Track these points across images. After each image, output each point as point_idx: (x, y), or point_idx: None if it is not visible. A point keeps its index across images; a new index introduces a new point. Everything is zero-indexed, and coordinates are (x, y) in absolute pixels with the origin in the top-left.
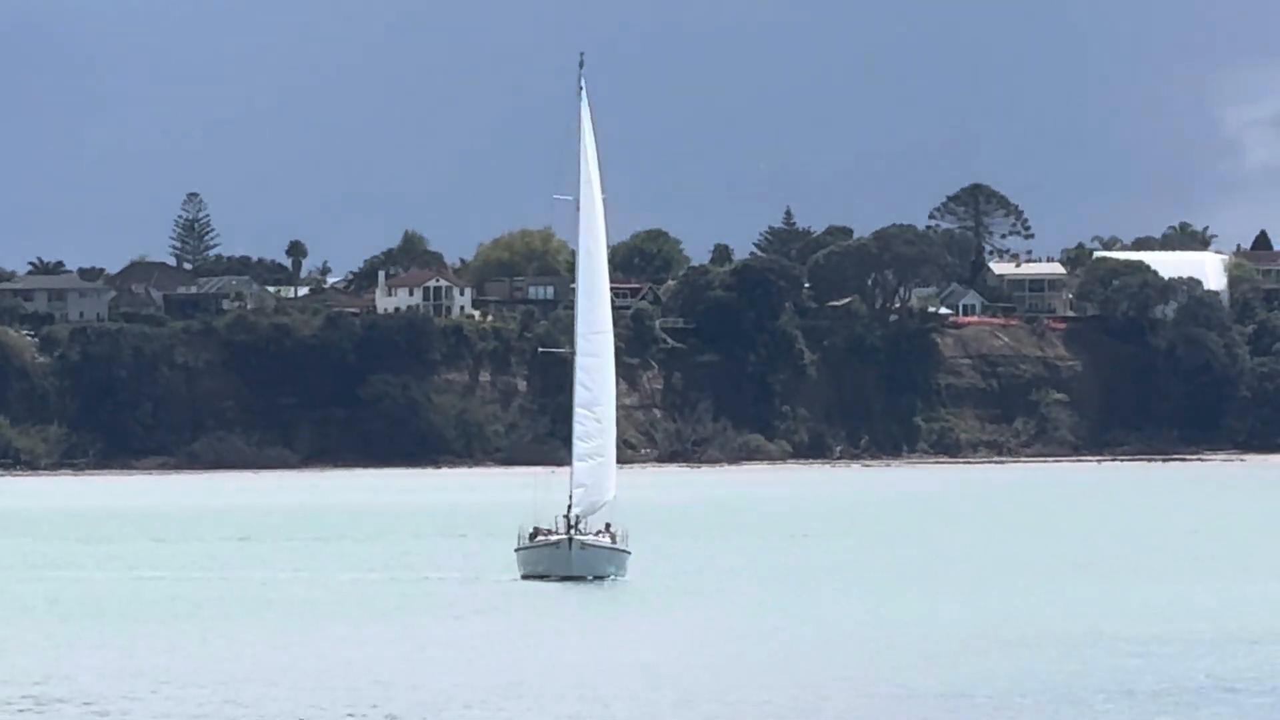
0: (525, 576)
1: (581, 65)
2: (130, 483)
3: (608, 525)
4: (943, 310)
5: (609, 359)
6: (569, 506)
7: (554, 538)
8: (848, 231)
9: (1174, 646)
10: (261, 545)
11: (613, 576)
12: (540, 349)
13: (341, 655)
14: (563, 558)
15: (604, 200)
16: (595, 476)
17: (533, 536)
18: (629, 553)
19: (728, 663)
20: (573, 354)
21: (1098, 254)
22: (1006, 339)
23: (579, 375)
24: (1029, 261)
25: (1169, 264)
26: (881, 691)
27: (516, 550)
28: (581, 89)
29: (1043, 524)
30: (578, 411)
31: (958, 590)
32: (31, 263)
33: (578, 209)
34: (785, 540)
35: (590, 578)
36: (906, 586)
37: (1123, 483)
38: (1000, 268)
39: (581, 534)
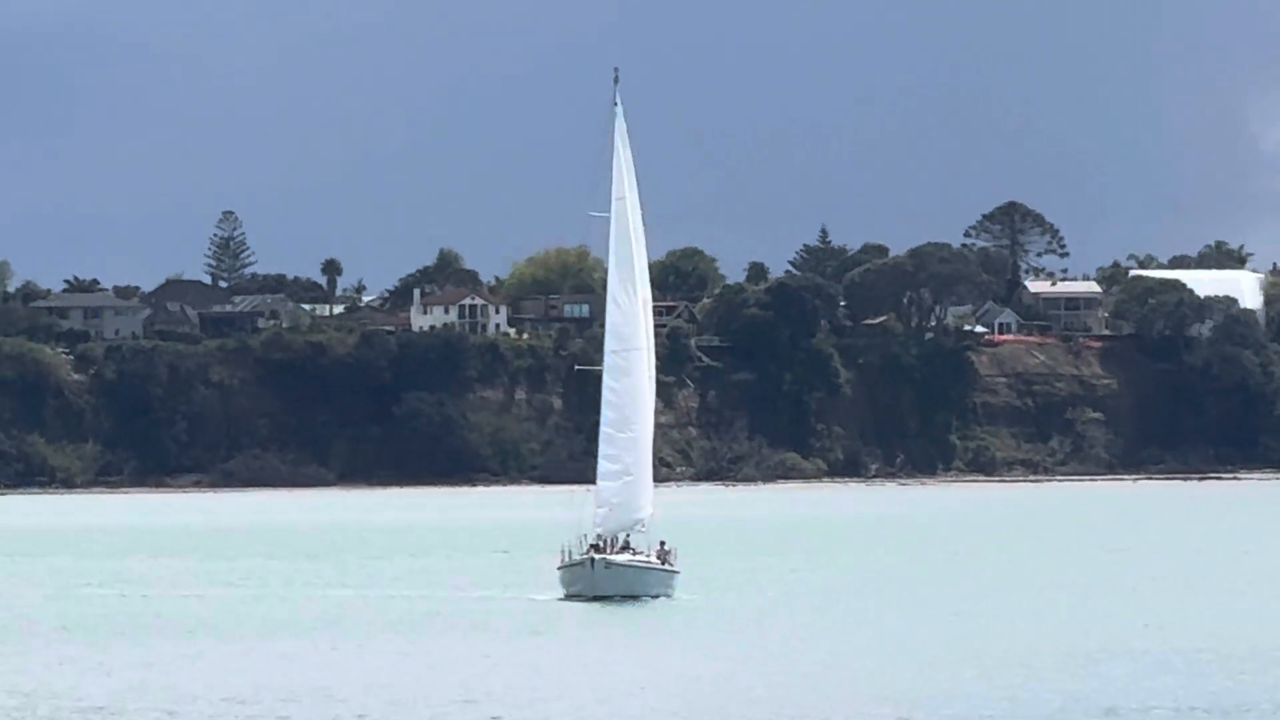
0: (568, 597)
1: (616, 81)
2: (179, 500)
3: (662, 543)
4: (978, 328)
5: (641, 377)
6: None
7: (579, 557)
8: (883, 250)
9: None
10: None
11: (654, 596)
12: (576, 367)
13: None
14: (586, 577)
15: (641, 216)
16: (622, 496)
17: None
18: (677, 572)
19: (787, 681)
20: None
21: (1133, 272)
22: (1042, 357)
23: (605, 394)
24: (1065, 280)
25: (1205, 282)
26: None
27: (558, 569)
28: (616, 104)
29: (1092, 540)
30: (603, 431)
31: (1029, 603)
32: (67, 280)
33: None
34: (840, 556)
35: (622, 597)
36: (994, 597)
37: (1161, 501)
38: (1036, 286)
39: (604, 552)
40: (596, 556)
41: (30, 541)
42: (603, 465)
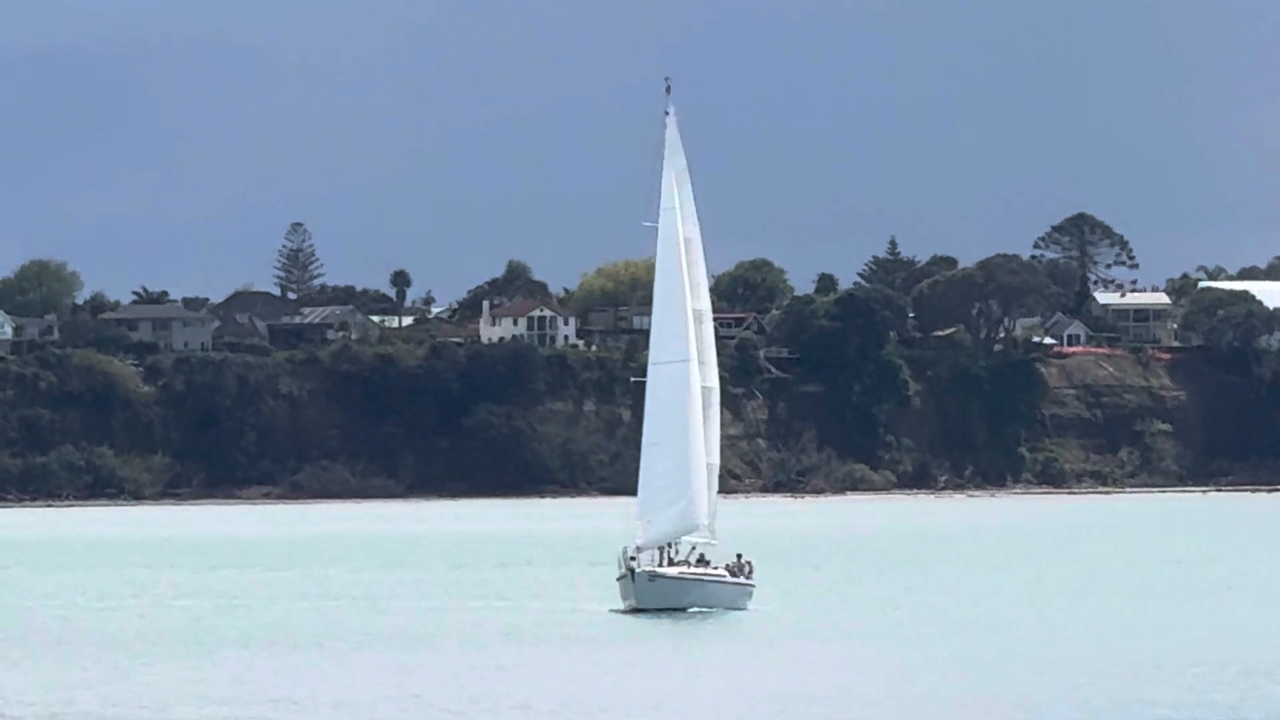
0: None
1: (668, 91)
2: (250, 511)
3: (739, 556)
4: (1047, 340)
5: (682, 389)
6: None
7: (622, 570)
8: (952, 261)
9: None
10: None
11: (714, 609)
12: (633, 379)
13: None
14: (629, 590)
15: (697, 226)
16: (656, 508)
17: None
18: (751, 585)
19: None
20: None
21: (1203, 284)
22: (1111, 369)
23: (646, 406)
24: (1134, 291)
25: (1274, 294)
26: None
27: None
28: (668, 114)
29: (1172, 552)
30: (644, 445)
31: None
32: (136, 292)
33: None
34: (936, 570)
35: (672, 610)
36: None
37: (1238, 512)
38: (1105, 297)
39: (662, 564)
40: (639, 569)
41: (126, 552)
42: (641, 478)
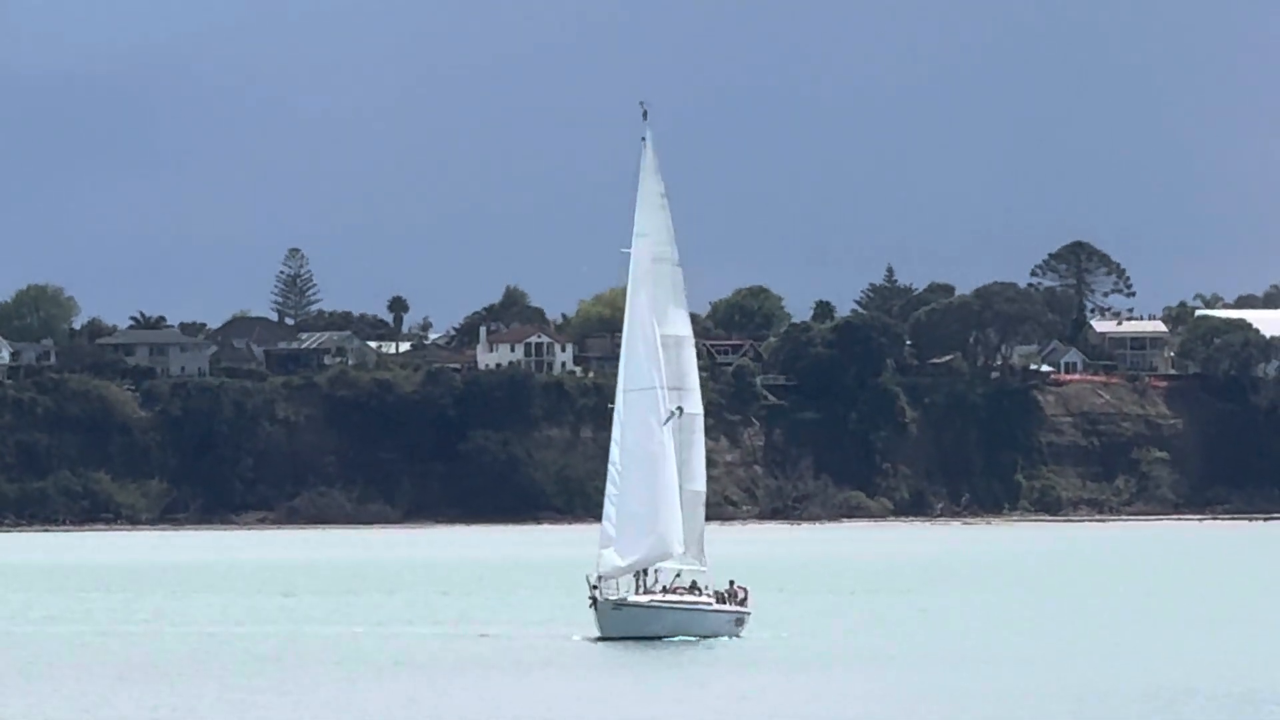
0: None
1: (645, 116)
2: (249, 537)
3: (731, 583)
4: (1044, 368)
5: (644, 417)
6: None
7: (588, 598)
8: (949, 289)
9: None
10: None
11: (694, 637)
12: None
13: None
14: (597, 619)
15: (675, 250)
16: (627, 537)
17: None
18: (746, 612)
19: None
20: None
21: (1200, 312)
22: (1108, 397)
23: (614, 432)
24: (1130, 319)
25: (1271, 322)
26: None
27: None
28: (645, 139)
29: (1216, 579)
30: (610, 472)
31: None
32: (133, 317)
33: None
34: (931, 598)
35: (643, 638)
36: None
37: (1235, 540)
38: (1102, 326)
39: (609, 592)
40: (601, 598)
41: (134, 578)
42: (605, 504)
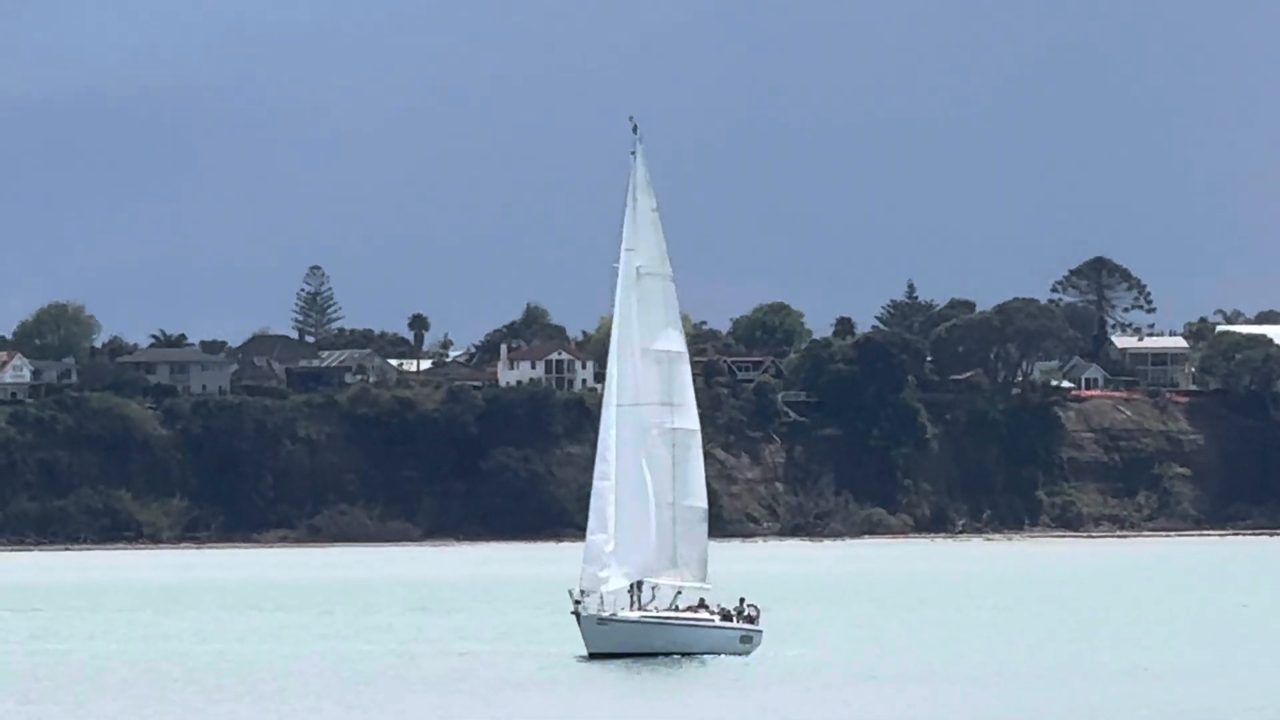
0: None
1: (635, 130)
2: (274, 555)
3: (742, 600)
4: (1065, 384)
5: (638, 432)
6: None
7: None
8: (970, 305)
9: None
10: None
11: (694, 655)
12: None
13: None
14: (583, 634)
15: (668, 265)
16: (613, 554)
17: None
18: (757, 630)
19: None
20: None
21: (1221, 327)
22: (1129, 413)
23: (599, 449)
24: (1151, 335)
25: None
26: None
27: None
28: (634, 154)
29: (1187, 595)
30: (594, 487)
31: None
32: (154, 335)
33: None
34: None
35: (633, 655)
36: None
37: (1258, 556)
38: (1123, 341)
39: (591, 607)
40: (584, 614)
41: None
42: (590, 520)
